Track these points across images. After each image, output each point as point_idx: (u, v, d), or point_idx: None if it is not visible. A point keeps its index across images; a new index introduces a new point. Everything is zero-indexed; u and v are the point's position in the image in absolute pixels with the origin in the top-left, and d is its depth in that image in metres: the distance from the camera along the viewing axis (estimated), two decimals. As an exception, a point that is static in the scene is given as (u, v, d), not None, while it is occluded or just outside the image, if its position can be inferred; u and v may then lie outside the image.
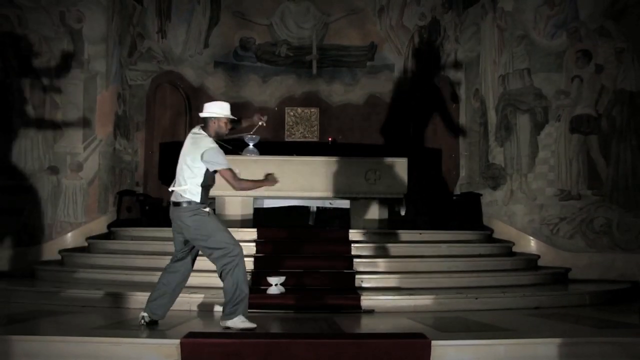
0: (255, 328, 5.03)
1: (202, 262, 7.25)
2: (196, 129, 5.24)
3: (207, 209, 5.10)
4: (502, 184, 9.20)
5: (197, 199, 5.05)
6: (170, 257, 7.58)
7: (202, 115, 5.24)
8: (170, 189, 5.19)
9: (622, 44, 8.50)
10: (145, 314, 5.15)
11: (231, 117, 5.26)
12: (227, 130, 5.26)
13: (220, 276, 5.10)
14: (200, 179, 5.05)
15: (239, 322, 5.02)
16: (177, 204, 5.09)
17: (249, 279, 6.87)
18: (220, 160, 5.07)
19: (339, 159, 8.93)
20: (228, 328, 5.03)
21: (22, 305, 6.37)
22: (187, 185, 5.05)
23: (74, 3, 9.04)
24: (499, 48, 9.35)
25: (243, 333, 5.08)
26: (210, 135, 5.15)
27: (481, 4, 9.86)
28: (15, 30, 8.73)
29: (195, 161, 5.04)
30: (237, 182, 5.22)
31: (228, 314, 5.04)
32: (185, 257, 5.26)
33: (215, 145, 5.10)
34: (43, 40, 8.83)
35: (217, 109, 5.22)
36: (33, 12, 8.79)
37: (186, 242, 5.20)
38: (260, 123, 5.63)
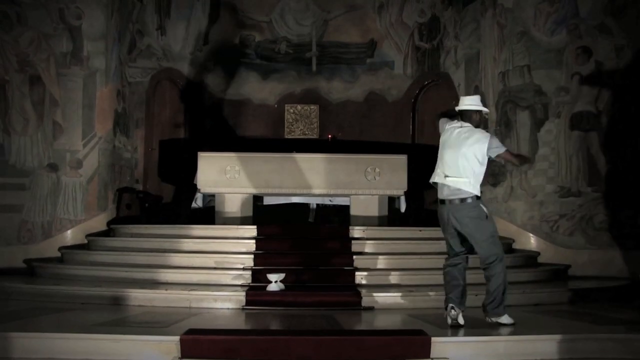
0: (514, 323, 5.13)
1: (201, 260, 7.31)
2: (456, 123, 5.28)
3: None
4: (502, 180, 9.19)
5: (478, 192, 5.12)
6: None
7: (464, 108, 5.29)
8: (437, 181, 5.22)
9: (622, 40, 8.46)
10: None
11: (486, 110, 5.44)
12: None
13: (486, 270, 5.17)
14: (484, 169, 5.14)
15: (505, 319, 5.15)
16: (462, 200, 5.09)
17: (248, 276, 6.93)
18: (500, 144, 5.19)
19: (338, 156, 8.92)
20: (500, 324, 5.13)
21: (22, 302, 6.38)
22: (469, 178, 5.09)
23: (73, 0, 9.02)
24: (498, 45, 9.33)
25: (242, 330, 5.05)
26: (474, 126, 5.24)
27: (481, 1, 9.82)
28: (15, 27, 8.72)
29: (478, 153, 5.08)
30: (517, 159, 5.56)
31: (497, 313, 5.14)
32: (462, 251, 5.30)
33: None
34: (42, 37, 8.82)
35: (479, 102, 5.36)
36: (32, 9, 8.78)
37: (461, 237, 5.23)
38: None
